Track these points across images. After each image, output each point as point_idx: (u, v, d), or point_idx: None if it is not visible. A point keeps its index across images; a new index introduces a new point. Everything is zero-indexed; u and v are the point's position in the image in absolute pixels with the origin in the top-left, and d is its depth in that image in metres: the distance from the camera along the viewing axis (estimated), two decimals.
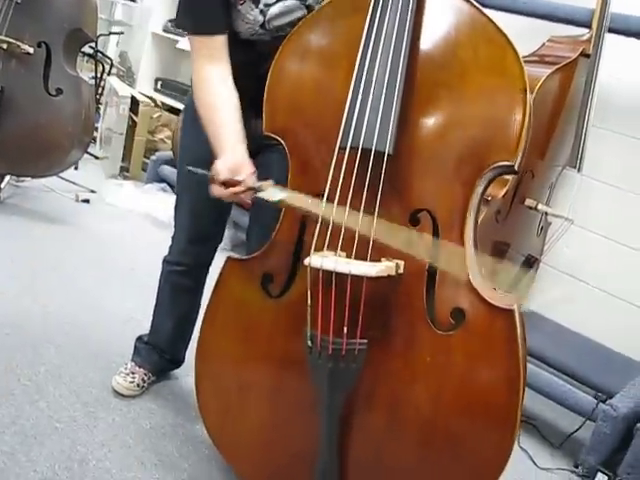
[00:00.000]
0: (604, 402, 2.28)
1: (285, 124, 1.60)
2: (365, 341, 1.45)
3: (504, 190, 2.51)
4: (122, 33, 5.12)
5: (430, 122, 1.46)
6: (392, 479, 1.55)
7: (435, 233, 1.46)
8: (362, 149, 1.44)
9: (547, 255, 2.92)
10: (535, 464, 2.32)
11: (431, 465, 1.50)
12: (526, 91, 1.39)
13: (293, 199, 1.51)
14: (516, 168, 1.45)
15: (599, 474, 2.23)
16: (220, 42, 1.70)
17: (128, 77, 5.05)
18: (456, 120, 1.45)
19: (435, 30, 1.48)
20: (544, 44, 2.69)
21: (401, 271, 1.46)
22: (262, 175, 1.91)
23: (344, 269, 1.40)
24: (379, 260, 1.46)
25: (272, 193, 1.52)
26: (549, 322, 2.95)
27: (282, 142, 1.60)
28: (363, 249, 1.46)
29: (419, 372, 1.48)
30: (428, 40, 1.48)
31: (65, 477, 1.70)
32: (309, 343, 1.47)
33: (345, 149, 1.46)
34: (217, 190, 1.57)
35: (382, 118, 1.43)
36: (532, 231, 2.86)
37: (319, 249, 1.48)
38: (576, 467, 2.33)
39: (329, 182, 1.48)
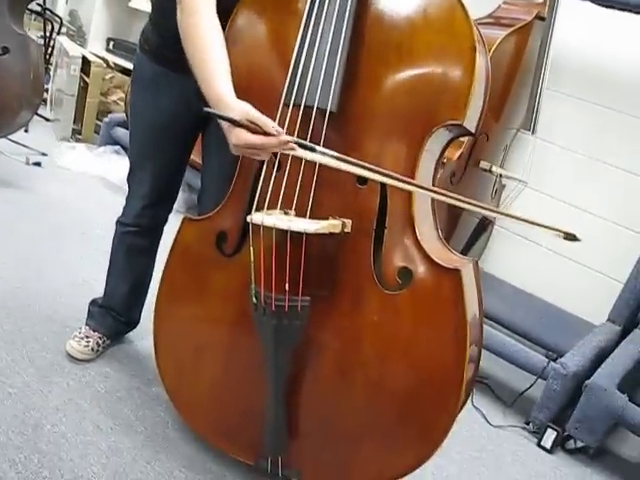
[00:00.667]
0: (555, 361, 2.34)
1: (240, 85, 1.58)
2: (308, 298, 1.47)
3: (459, 152, 2.53)
4: None
5: (379, 81, 1.46)
6: (341, 437, 1.58)
7: (383, 192, 1.47)
8: (305, 106, 1.44)
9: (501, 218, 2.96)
10: (488, 422, 2.37)
11: (380, 423, 1.53)
12: (475, 49, 1.39)
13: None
14: (468, 128, 1.46)
15: (549, 430, 2.30)
16: None
17: (79, 37, 4.92)
18: (405, 79, 1.45)
19: None
20: (500, 6, 2.70)
21: (348, 230, 1.48)
22: (213, 138, 1.90)
23: (283, 225, 1.41)
24: (327, 219, 1.47)
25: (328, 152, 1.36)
26: (503, 284, 3.00)
27: None
28: (311, 208, 1.47)
29: (366, 331, 1.50)
30: (378, 0, 1.47)
31: (19, 442, 1.68)
32: (254, 300, 1.49)
33: (289, 106, 1.46)
34: (253, 139, 1.35)
35: (325, 76, 1.43)
36: (486, 193, 2.89)
37: (270, 207, 1.49)
38: (527, 424, 2.40)
39: None
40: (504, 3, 2.70)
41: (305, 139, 1.44)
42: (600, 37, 2.81)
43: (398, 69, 1.45)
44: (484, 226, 2.86)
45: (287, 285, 1.45)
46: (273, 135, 1.35)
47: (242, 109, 1.38)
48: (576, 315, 2.85)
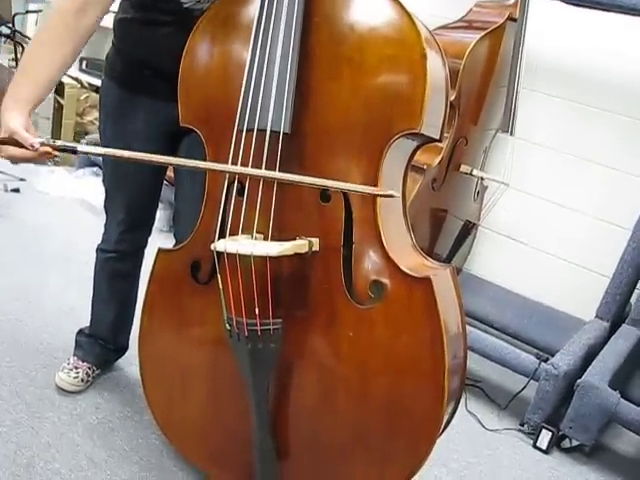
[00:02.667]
0: (546, 361, 2.35)
1: (200, 115, 1.59)
2: (279, 320, 1.46)
3: (438, 158, 2.53)
4: (40, 11, 4.93)
5: (331, 97, 1.45)
6: (331, 453, 1.57)
7: (347, 207, 1.46)
8: (259, 130, 1.43)
9: (485, 219, 2.96)
10: (483, 426, 2.37)
11: (367, 437, 1.52)
12: (425, 57, 1.38)
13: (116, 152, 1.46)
14: (428, 134, 1.45)
15: (544, 431, 2.31)
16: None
17: None
18: (357, 93, 1.43)
19: (330, 6, 1.46)
20: (471, 10, 2.70)
21: (316, 248, 1.47)
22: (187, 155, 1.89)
23: (246, 250, 1.40)
24: (294, 239, 1.46)
25: (91, 149, 1.47)
26: (490, 285, 3.00)
27: (198, 132, 1.59)
28: (277, 230, 1.46)
29: (343, 348, 1.50)
30: (324, 16, 1.46)
31: None
32: (227, 326, 1.48)
33: (242, 132, 1.45)
34: (16, 152, 1.46)
35: (276, 98, 1.42)
36: (469, 196, 2.89)
37: (234, 233, 1.49)
38: (522, 426, 2.40)
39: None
40: (475, 6, 2.70)
41: (261, 162, 1.43)
42: (572, 35, 2.82)
43: (350, 84, 1.44)
44: (468, 230, 2.86)
45: (257, 309, 1.44)
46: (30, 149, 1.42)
47: (8, 127, 1.44)
48: (565, 312, 2.86)
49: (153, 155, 1.42)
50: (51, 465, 1.76)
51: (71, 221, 3.46)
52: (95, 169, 3.89)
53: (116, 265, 2.08)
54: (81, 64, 4.56)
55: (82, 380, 2.08)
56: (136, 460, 1.85)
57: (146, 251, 2.08)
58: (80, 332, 2.19)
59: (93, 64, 4.49)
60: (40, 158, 1.47)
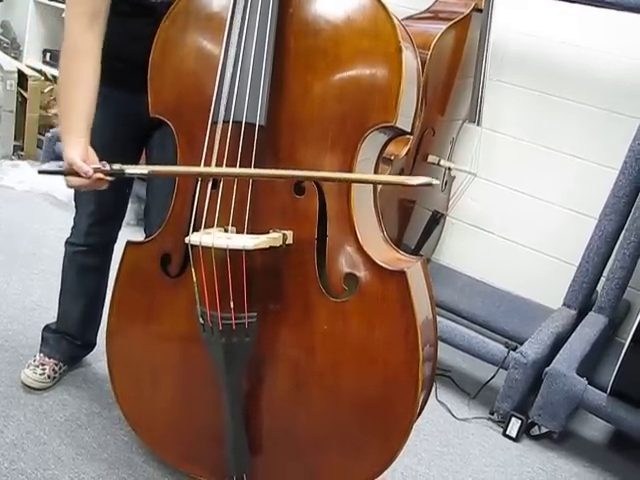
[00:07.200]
0: (514, 350, 2.37)
1: (170, 106, 1.57)
2: (254, 314, 1.46)
3: (406, 149, 2.53)
4: (1, 1, 4.83)
5: (307, 89, 1.45)
6: (304, 448, 1.57)
7: (321, 200, 1.46)
8: (234, 122, 1.43)
9: (453, 209, 2.98)
10: (453, 415, 2.39)
11: (340, 430, 1.53)
12: (400, 50, 1.39)
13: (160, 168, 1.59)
14: (402, 128, 1.46)
15: (513, 419, 2.33)
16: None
17: (13, 49, 4.78)
18: (333, 85, 1.43)
19: None
20: (437, 0, 2.70)
21: (289, 241, 1.47)
22: (159, 152, 1.88)
23: (222, 244, 1.40)
24: (267, 232, 1.46)
25: (138, 169, 1.53)
26: (459, 275, 3.02)
27: (169, 123, 1.57)
28: (250, 223, 1.46)
29: (317, 341, 1.50)
30: (299, 8, 1.45)
31: None
32: (201, 320, 1.48)
33: (217, 124, 1.44)
34: (76, 181, 1.53)
35: (251, 90, 1.42)
36: (437, 187, 2.90)
37: (208, 226, 1.48)
38: (491, 414, 2.42)
39: (203, 158, 1.47)
40: None
41: (237, 155, 1.43)
42: (537, 25, 2.84)
43: (325, 76, 1.44)
44: (436, 220, 2.87)
45: (232, 303, 1.44)
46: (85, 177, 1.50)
47: (67, 159, 1.54)
48: (533, 300, 2.89)
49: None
50: (16, 465, 1.73)
51: (37, 216, 3.40)
52: (61, 163, 3.81)
53: (85, 259, 2.06)
54: (44, 56, 4.48)
55: (49, 377, 2.06)
56: (105, 457, 1.83)
57: (115, 246, 2.05)
58: (46, 328, 2.15)
59: (57, 56, 4.40)
60: (97, 184, 1.55)
